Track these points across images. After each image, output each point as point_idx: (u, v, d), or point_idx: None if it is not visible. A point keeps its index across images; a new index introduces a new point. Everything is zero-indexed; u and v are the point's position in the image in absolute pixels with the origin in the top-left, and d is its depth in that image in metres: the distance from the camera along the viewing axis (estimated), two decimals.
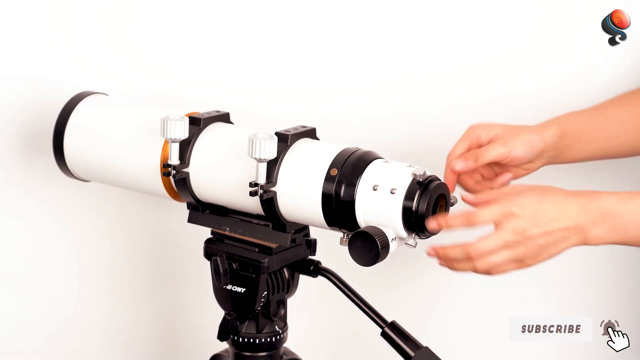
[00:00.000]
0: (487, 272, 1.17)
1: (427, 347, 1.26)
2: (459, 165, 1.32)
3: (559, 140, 1.37)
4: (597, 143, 1.42)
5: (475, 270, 1.17)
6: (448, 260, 1.18)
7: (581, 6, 1.63)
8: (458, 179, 1.34)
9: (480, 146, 1.34)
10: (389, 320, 1.28)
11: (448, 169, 1.33)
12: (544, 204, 1.15)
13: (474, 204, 1.20)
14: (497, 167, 1.36)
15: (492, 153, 1.32)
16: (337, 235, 1.26)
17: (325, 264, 1.33)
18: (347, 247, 1.18)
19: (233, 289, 1.30)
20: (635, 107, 1.44)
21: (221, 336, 1.32)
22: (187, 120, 1.26)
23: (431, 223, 1.15)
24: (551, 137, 1.36)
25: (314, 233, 1.33)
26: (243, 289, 1.29)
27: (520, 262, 1.16)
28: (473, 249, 1.15)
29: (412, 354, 1.25)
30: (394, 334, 1.27)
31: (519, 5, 1.66)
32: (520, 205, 1.14)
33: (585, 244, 1.17)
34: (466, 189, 1.36)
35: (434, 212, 1.19)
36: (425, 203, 1.17)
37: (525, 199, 1.15)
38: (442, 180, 1.20)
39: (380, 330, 1.27)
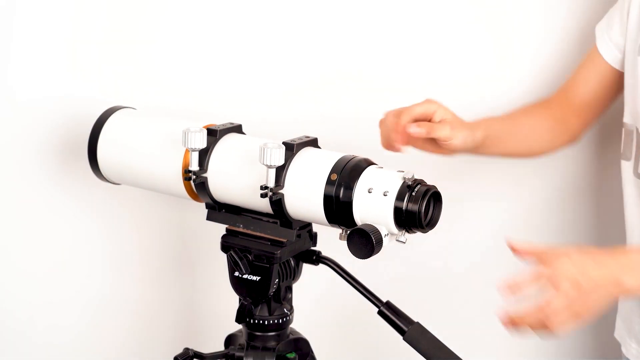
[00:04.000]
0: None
1: (418, 323, 1.31)
2: (414, 130, 1.39)
3: (482, 140, 1.51)
4: (509, 144, 1.60)
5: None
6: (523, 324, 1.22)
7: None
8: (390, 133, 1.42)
9: (428, 120, 1.42)
10: (384, 300, 1.32)
11: (400, 125, 1.38)
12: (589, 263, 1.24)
13: (521, 255, 1.26)
14: (430, 142, 1.45)
15: (442, 133, 1.41)
16: (336, 230, 1.30)
17: (324, 253, 1.38)
18: (345, 241, 1.23)
19: (249, 277, 1.33)
20: (539, 118, 1.63)
21: (239, 319, 1.37)
22: (205, 131, 1.31)
23: (503, 289, 1.20)
24: (479, 138, 1.50)
25: (314, 227, 1.37)
26: (258, 277, 1.33)
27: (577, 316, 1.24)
28: (550, 309, 1.20)
29: (405, 329, 1.30)
30: (389, 312, 1.31)
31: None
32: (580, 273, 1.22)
33: (623, 293, 1.26)
34: (394, 142, 1.40)
35: (425, 212, 1.23)
36: (417, 204, 1.22)
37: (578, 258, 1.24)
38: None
39: (376, 309, 1.32)
